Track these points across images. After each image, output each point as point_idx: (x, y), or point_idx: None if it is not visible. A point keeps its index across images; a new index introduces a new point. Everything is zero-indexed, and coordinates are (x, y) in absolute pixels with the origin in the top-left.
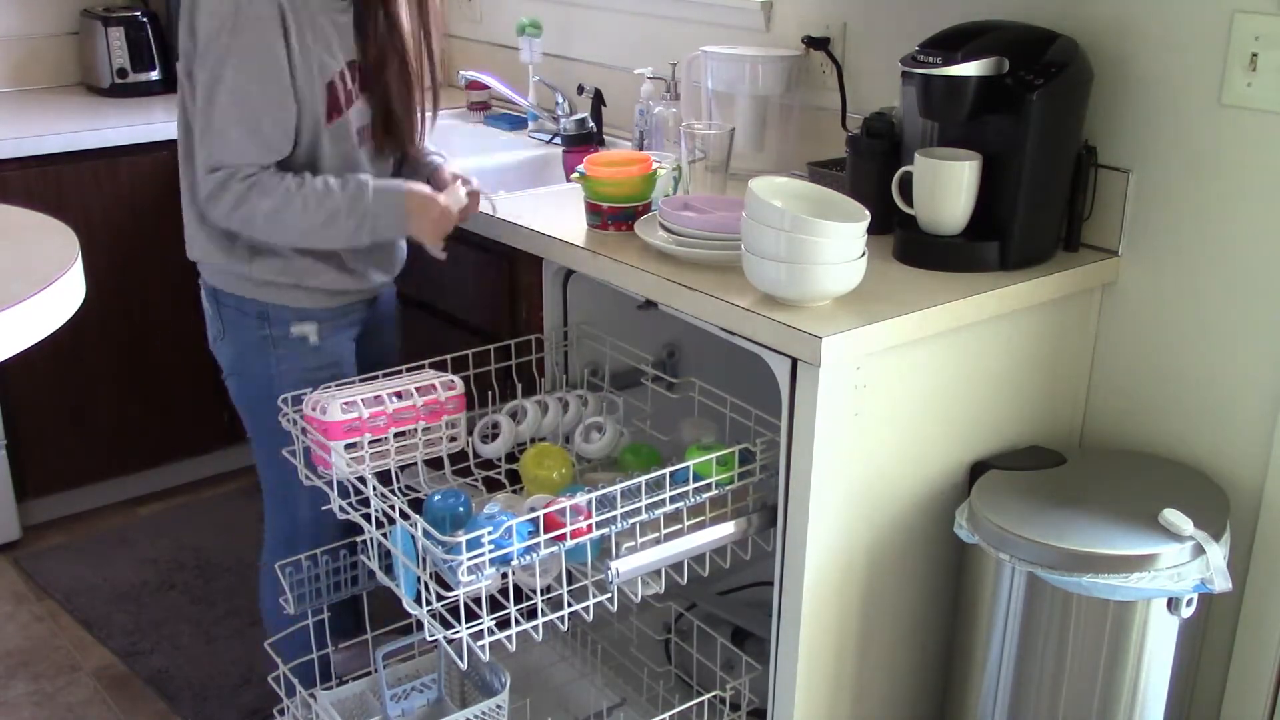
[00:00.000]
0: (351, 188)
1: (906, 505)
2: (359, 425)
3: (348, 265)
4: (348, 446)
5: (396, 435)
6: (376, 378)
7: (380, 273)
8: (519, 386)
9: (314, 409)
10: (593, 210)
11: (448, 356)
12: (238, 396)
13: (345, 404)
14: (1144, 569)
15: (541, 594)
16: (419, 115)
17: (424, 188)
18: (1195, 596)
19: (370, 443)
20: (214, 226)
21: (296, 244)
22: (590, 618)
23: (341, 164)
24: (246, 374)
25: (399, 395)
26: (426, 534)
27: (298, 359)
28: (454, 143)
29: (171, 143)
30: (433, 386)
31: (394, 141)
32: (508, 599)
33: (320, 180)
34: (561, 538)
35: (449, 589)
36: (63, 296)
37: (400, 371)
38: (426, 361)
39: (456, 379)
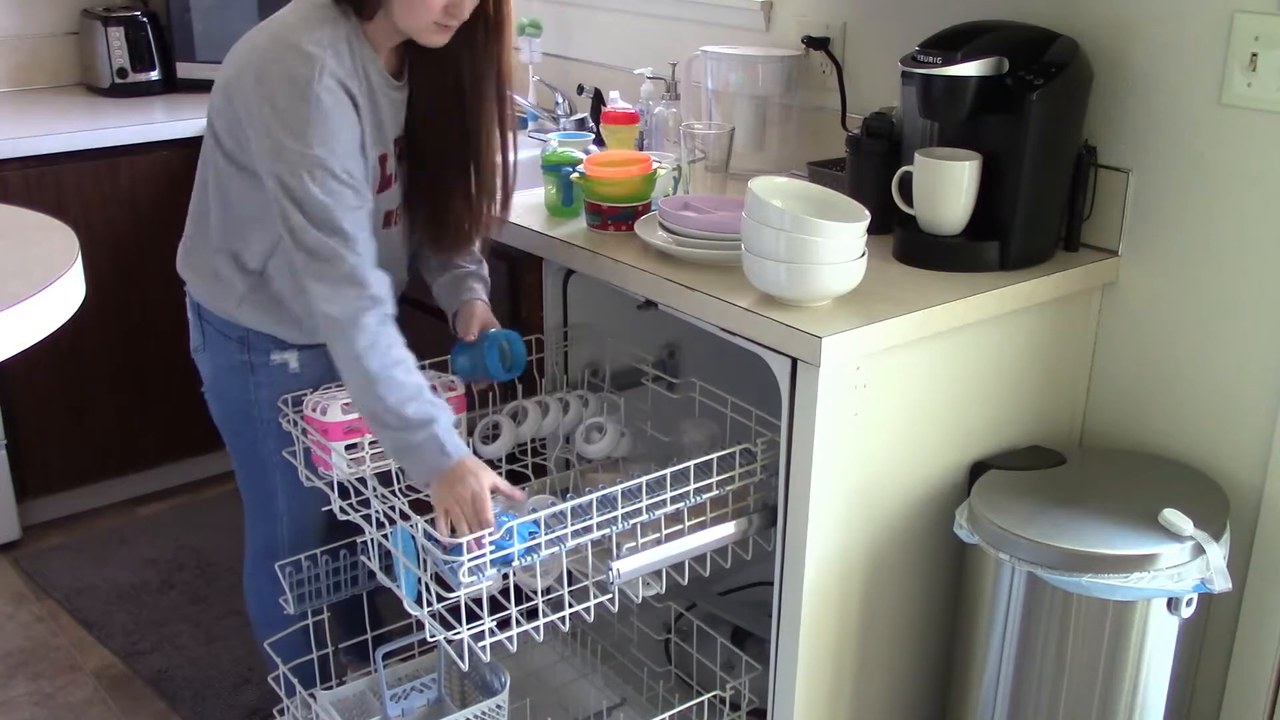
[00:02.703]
0: (425, 410)
1: (906, 505)
2: (359, 426)
3: None
4: (348, 448)
5: None
6: None
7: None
8: (519, 387)
9: (314, 410)
10: (593, 210)
11: (448, 357)
12: (214, 413)
13: (345, 404)
14: (1144, 569)
15: (542, 595)
16: (463, 217)
17: (479, 466)
18: (1195, 596)
19: (371, 443)
20: (206, 264)
21: (345, 379)
22: (591, 618)
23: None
24: (224, 395)
25: None
26: (426, 535)
27: (276, 384)
28: None
29: (171, 143)
30: (433, 387)
31: (439, 242)
32: (508, 599)
33: (417, 377)
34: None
35: (450, 590)
36: (63, 296)
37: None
38: (426, 362)
39: (456, 379)
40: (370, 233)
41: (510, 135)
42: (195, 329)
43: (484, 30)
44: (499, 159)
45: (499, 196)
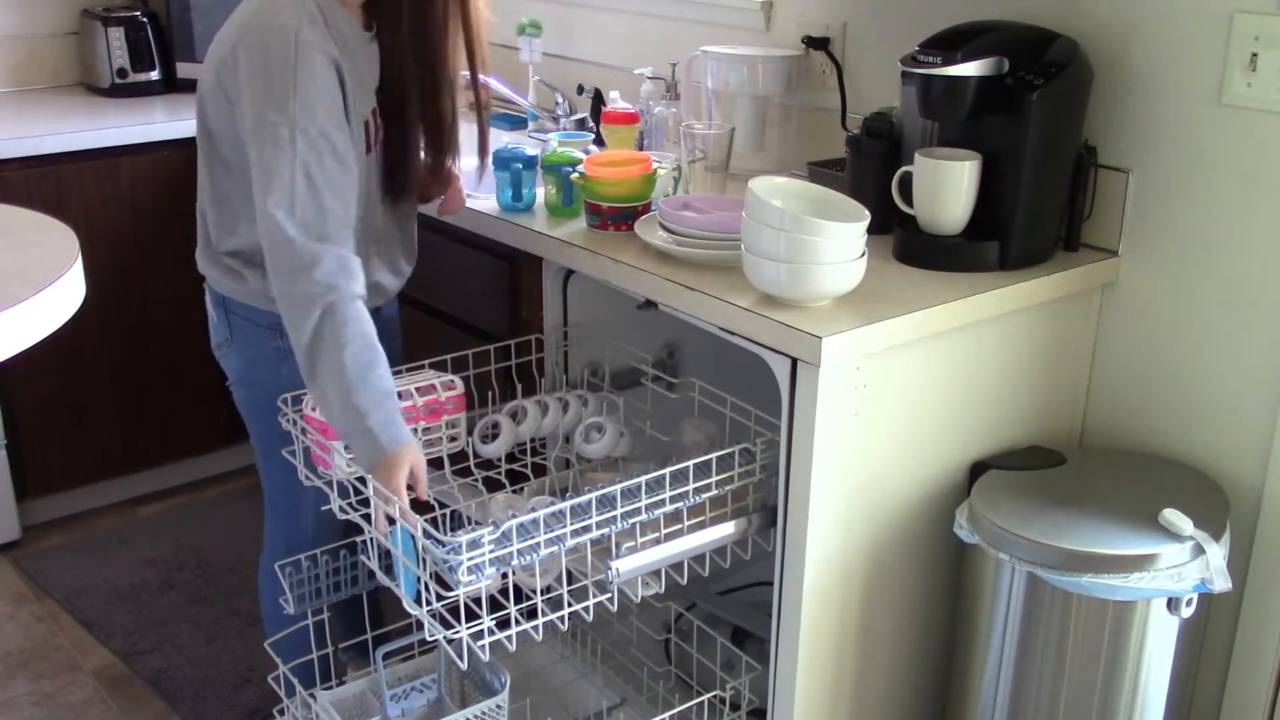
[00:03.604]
0: (380, 396)
1: (906, 505)
2: None
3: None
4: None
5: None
6: None
7: (394, 279)
8: (519, 386)
9: (314, 409)
10: (593, 210)
11: (448, 356)
12: (244, 404)
13: None
14: (1144, 569)
15: (541, 594)
16: (434, 163)
17: (414, 459)
18: (1195, 596)
19: None
20: (221, 260)
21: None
22: (590, 618)
23: (366, 200)
24: (255, 383)
25: (399, 395)
26: (426, 534)
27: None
28: None
29: (172, 143)
30: (432, 386)
31: (402, 186)
32: (508, 599)
33: (382, 367)
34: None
35: (449, 589)
36: (63, 296)
37: (400, 371)
38: (426, 362)
39: (456, 379)
40: (352, 207)
41: (481, 86)
42: (219, 325)
43: None
44: (451, 109)
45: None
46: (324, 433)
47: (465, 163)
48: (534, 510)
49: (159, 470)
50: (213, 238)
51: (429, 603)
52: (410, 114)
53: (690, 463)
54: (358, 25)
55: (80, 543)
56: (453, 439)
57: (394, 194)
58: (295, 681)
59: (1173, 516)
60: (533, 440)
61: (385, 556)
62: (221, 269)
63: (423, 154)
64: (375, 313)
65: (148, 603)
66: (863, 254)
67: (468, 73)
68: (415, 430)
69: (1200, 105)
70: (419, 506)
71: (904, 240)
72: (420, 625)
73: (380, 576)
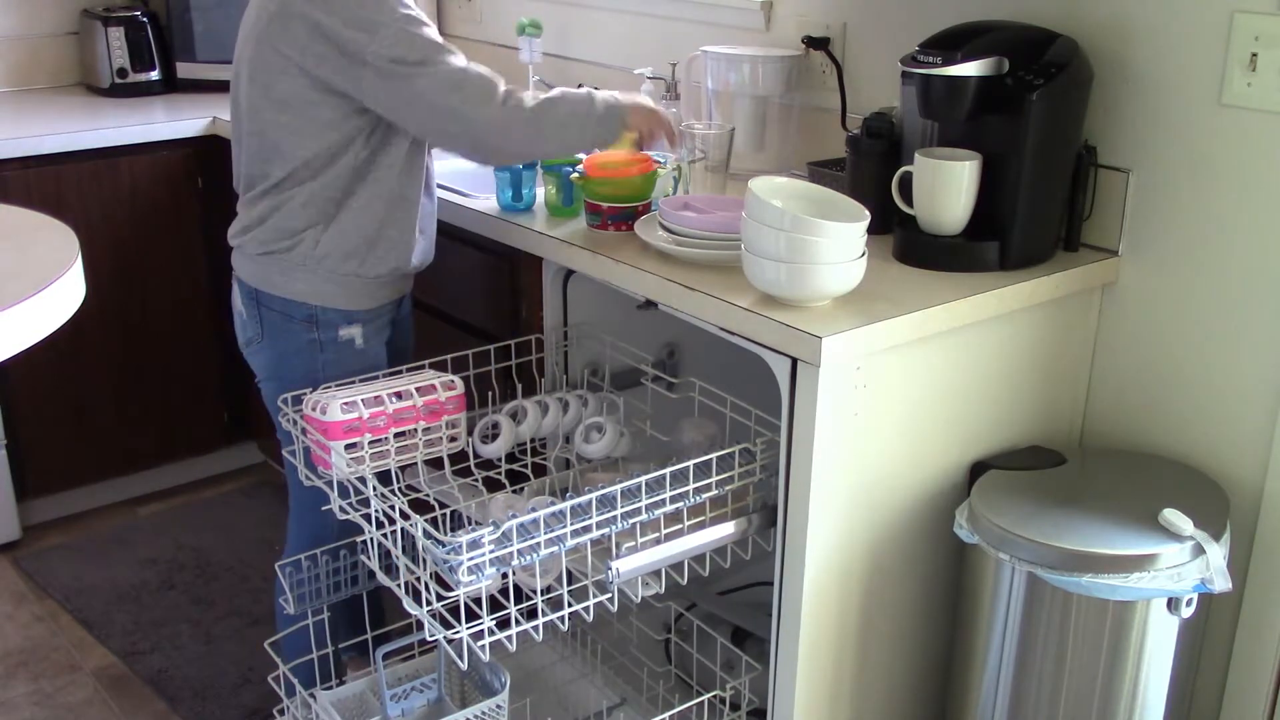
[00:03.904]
0: (584, 93)
1: (906, 505)
2: (359, 425)
3: (408, 257)
4: (347, 447)
5: (396, 435)
6: (376, 378)
7: (418, 259)
8: (519, 386)
9: (314, 409)
10: (593, 210)
11: (448, 356)
12: (273, 400)
13: (345, 404)
14: (1144, 569)
15: (541, 594)
16: None
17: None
18: (1195, 596)
19: (370, 443)
20: (262, 245)
21: (547, 142)
22: (590, 618)
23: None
24: (288, 378)
25: (399, 395)
26: (426, 534)
27: (343, 362)
28: None
29: (171, 143)
30: (433, 386)
31: None
32: (508, 599)
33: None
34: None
35: (449, 589)
36: (63, 296)
37: (400, 371)
38: (426, 362)
39: (456, 379)
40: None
41: None
42: (250, 321)
43: None
44: None
45: None
46: (324, 432)
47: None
48: (534, 510)
49: (159, 470)
50: (259, 211)
51: (429, 603)
52: None
53: (690, 463)
54: None
55: (80, 543)
56: (453, 439)
57: None
58: (295, 681)
59: (1173, 516)
60: (533, 440)
61: (385, 556)
62: (258, 260)
63: None
64: (397, 306)
65: (148, 603)
66: (863, 254)
67: None
68: (415, 430)
69: (1200, 105)
70: (419, 506)
71: (904, 240)
72: (420, 625)
73: (380, 576)
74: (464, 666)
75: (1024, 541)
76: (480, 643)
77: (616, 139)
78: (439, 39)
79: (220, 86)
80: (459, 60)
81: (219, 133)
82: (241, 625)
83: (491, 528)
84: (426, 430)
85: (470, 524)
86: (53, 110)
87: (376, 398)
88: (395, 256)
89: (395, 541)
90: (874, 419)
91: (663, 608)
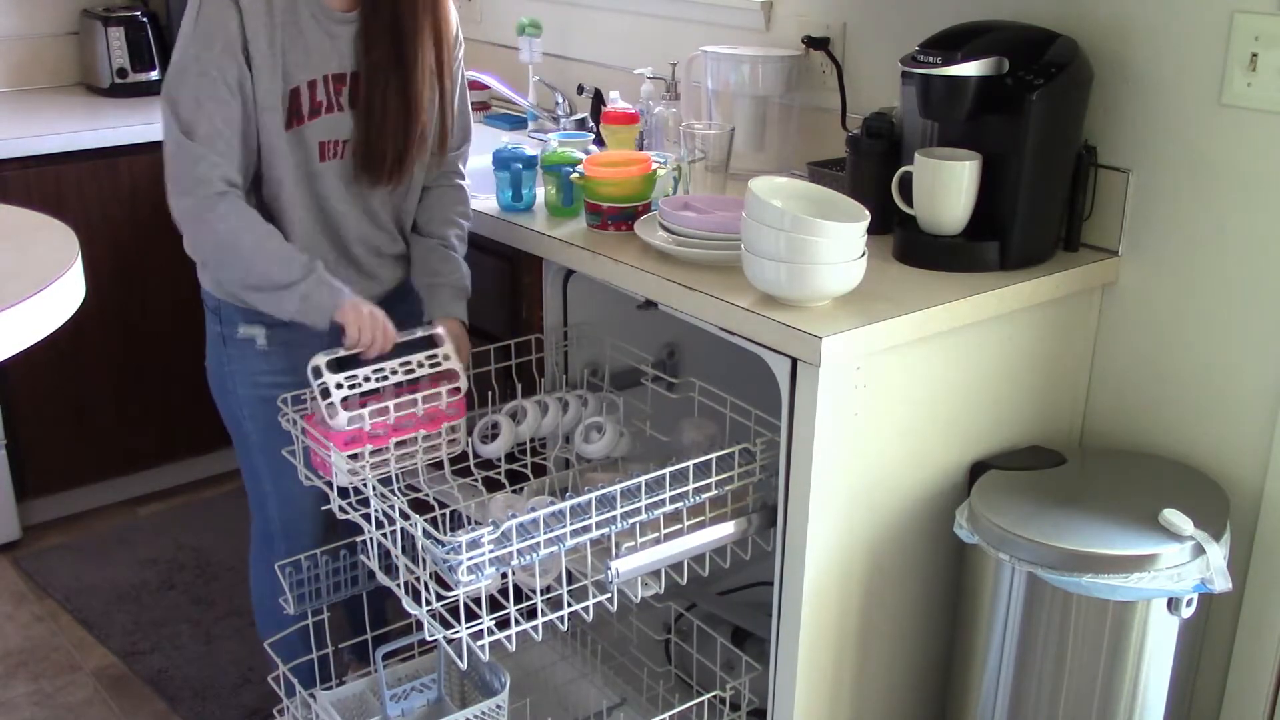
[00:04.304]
0: (304, 261)
1: (906, 505)
2: (360, 437)
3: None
4: (349, 457)
5: (397, 445)
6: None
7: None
8: (519, 386)
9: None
10: (593, 210)
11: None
12: (214, 390)
13: (349, 412)
14: (1144, 569)
15: (541, 594)
16: (401, 148)
17: (360, 304)
18: (1195, 596)
19: (371, 453)
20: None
21: (236, 281)
22: (590, 618)
23: (300, 174)
24: (210, 369)
25: (398, 393)
26: (426, 534)
27: (247, 361)
28: None
29: None
30: (437, 395)
31: (369, 168)
32: (507, 599)
33: (283, 244)
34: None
35: (449, 589)
36: (63, 296)
37: (414, 338)
38: (424, 357)
39: (458, 367)
40: (238, 135)
41: (446, 78)
42: None
43: None
44: (430, 95)
45: (436, 133)
46: (323, 434)
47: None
48: (534, 510)
49: (159, 470)
50: None
51: (429, 603)
52: (376, 98)
53: (690, 463)
54: (329, 4)
55: (80, 543)
56: (453, 442)
57: (369, 179)
58: (295, 681)
59: (1173, 516)
60: (532, 440)
61: (385, 556)
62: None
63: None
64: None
65: (148, 603)
66: (863, 254)
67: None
68: (415, 439)
69: (1200, 105)
70: (419, 507)
71: (904, 240)
72: (420, 625)
73: (380, 576)
74: (464, 666)
75: (1024, 541)
76: (480, 643)
77: (313, 323)
78: (204, 111)
79: None
80: (196, 135)
81: None
82: (241, 625)
83: (491, 528)
84: (427, 437)
85: (470, 524)
86: (53, 110)
87: (381, 407)
88: (219, 284)
89: (395, 541)
90: (874, 419)
91: (663, 608)
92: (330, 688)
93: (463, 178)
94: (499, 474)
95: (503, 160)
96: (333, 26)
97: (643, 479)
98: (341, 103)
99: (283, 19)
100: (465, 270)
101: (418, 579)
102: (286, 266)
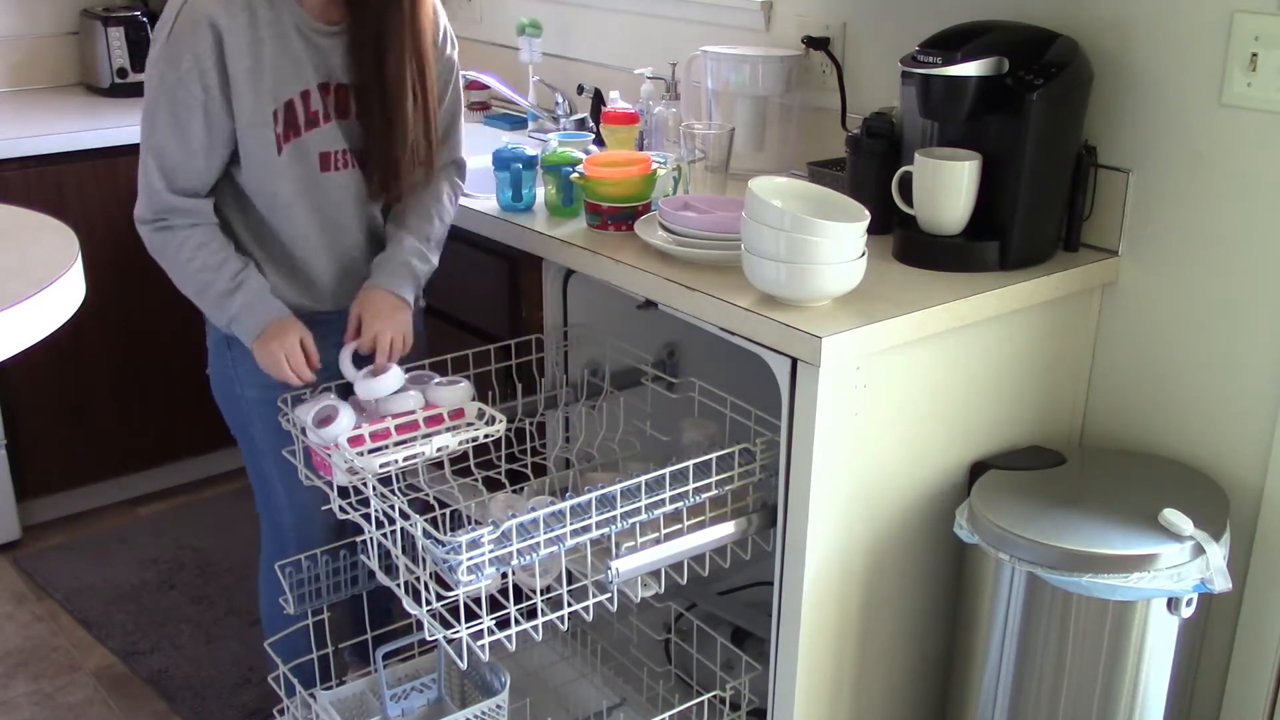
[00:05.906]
0: (236, 277)
1: (906, 505)
2: (359, 435)
3: (300, 280)
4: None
5: (397, 444)
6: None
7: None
8: (519, 386)
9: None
10: (593, 210)
11: (448, 357)
12: (218, 393)
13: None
14: (1144, 569)
15: (541, 594)
16: (395, 159)
17: (292, 326)
18: (1195, 596)
19: (370, 451)
20: None
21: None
22: (590, 618)
23: (302, 187)
24: (214, 373)
25: (402, 394)
26: (426, 534)
27: (251, 362)
28: None
29: None
30: (441, 417)
31: (369, 179)
32: (507, 599)
33: (222, 254)
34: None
35: (449, 589)
36: (63, 296)
37: (408, 371)
38: (426, 362)
39: (464, 383)
40: (198, 156)
41: (422, 93)
42: None
43: None
44: (413, 111)
45: (421, 152)
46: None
47: None
48: (534, 510)
49: (159, 470)
50: None
51: (429, 603)
52: (371, 109)
53: (690, 463)
54: (312, 14)
55: (80, 543)
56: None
57: (370, 190)
58: (295, 681)
59: (1173, 516)
60: (533, 440)
61: (385, 556)
62: None
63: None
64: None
65: (148, 603)
66: (863, 254)
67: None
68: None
69: (1200, 105)
70: (419, 507)
71: (904, 240)
72: (420, 625)
73: (380, 576)
74: (464, 666)
75: (1024, 541)
76: (480, 643)
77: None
78: (157, 127)
79: None
80: (151, 150)
81: None
82: (241, 625)
83: (491, 527)
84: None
85: (470, 524)
86: (53, 110)
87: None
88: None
89: (395, 541)
90: (874, 419)
91: (663, 608)
92: (330, 688)
93: (451, 181)
94: (499, 474)
95: (503, 160)
96: (319, 39)
97: (643, 479)
98: (337, 113)
99: (269, 32)
100: (420, 254)
101: (418, 579)
102: (217, 294)
